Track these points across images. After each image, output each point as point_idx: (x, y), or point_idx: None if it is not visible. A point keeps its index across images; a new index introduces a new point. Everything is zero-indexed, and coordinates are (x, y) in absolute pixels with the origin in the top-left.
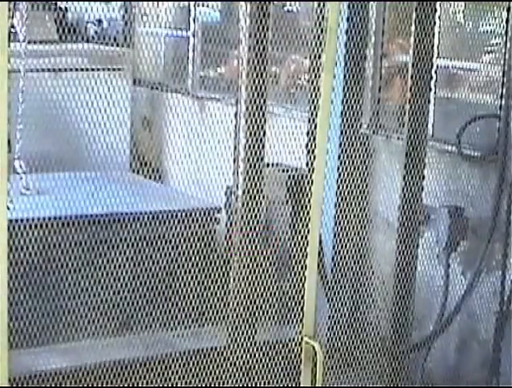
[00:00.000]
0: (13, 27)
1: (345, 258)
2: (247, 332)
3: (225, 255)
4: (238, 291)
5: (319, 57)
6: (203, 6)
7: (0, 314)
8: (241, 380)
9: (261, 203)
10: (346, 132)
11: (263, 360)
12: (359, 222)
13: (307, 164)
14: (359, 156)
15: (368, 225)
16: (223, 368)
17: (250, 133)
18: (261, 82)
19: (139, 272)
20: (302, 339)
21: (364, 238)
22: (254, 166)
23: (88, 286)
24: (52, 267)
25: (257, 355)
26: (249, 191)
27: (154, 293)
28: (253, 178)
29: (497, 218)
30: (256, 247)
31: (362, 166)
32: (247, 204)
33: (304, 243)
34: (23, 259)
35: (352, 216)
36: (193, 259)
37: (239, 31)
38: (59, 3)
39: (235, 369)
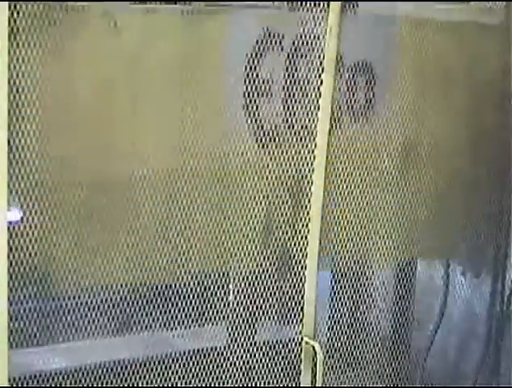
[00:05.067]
0: None
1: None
2: (247, 332)
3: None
4: (238, 291)
5: (319, 57)
6: None
7: (0, 314)
8: (241, 380)
9: (261, 203)
10: None
11: (263, 360)
12: None
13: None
14: None
15: None
16: (223, 368)
17: None
18: None
19: None
20: (302, 339)
21: None
22: None
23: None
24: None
25: (257, 355)
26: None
27: (154, 293)
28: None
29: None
30: (256, 247)
31: None
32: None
33: (304, 243)
34: (23, 259)
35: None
36: None
37: None
38: None
39: (235, 369)
